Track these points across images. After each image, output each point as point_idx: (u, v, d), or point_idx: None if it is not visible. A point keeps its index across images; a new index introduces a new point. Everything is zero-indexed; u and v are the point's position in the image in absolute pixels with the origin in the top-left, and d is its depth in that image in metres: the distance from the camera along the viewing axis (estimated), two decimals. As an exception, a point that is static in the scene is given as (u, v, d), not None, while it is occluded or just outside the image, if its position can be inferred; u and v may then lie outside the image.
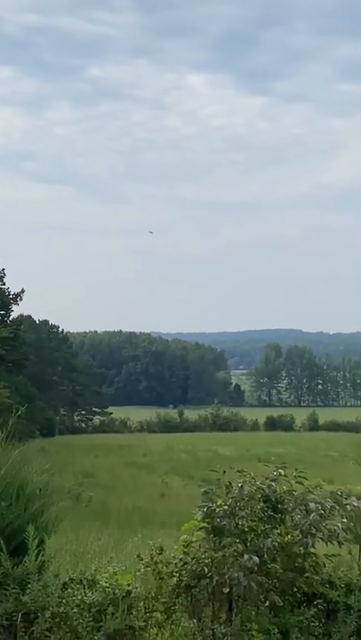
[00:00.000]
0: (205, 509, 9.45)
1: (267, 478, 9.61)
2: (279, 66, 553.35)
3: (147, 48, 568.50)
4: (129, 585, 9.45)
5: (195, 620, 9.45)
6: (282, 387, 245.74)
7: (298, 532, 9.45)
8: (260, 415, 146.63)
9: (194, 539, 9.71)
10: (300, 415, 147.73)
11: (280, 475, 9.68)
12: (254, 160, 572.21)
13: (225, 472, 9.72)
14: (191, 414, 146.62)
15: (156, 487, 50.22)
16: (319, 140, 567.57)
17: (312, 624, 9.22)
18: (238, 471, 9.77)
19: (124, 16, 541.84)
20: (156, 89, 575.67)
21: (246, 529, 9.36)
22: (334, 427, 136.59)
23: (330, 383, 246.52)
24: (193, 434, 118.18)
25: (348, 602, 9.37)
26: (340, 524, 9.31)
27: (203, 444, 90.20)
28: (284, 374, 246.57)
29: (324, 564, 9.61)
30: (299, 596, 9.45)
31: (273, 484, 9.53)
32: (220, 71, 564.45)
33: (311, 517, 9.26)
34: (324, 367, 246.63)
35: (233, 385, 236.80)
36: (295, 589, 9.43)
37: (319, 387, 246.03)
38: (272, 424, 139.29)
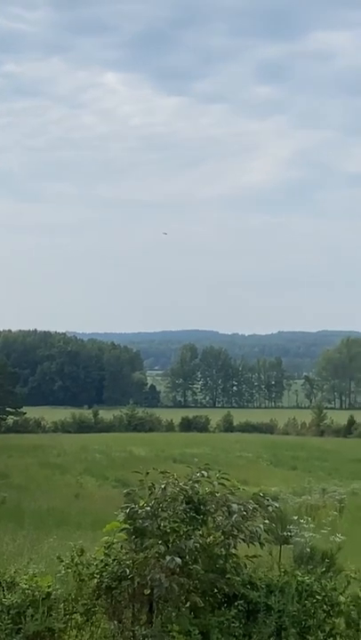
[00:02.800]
0: (128, 510, 9.40)
1: (189, 479, 9.60)
2: (196, 66, 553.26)
3: (63, 45, 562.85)
4: (49, 587, 9.36)
5: (115, 622, 9.40)
6: (197, 388, 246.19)
7: (220, 533, 9.46)
8: (176, 416, 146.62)
9: (115, 540, 9.66)
10: (215, 416, 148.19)
11: (203, 476, 9.69)
12: (173, 160, 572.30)
13: (147, 473, 9.69)
14: (106, 415, 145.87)
15: (71, 488, 49.79)
16: (236, 141, 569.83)
17: (233, 625, 9.26)
18: (161, 472, 9.75)
19: (39, 12, 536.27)
20: (72, 87, 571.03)
21: (168, 530, 9.34)
22: (249, 428, 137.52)
23: (245, 384, 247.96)
24: (108, 434, 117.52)
25: (269, 602, 9.42)
26: (261, 525, 9.35)
27: (118, 444, 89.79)
28: (199, 375, 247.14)
29: (245, 565, 9.64)
30: (220, 596, 9.48)
31: (196, 485, 9.53)
32: (138, 70, 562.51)
33: (233, 519, 9.28)
34: (240, 368, 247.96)
35: (148, 385, 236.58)
36: (216, 590, 9.45)
37: (234, 388, 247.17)
38: (187, 425, 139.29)
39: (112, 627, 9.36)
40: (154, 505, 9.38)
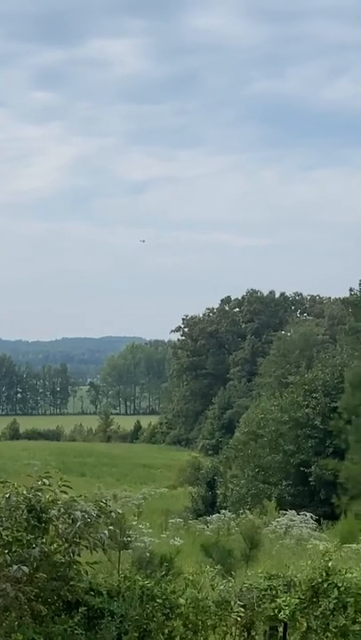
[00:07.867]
0: (-31, 521, 9.29)
1: (32, 488, 9.59)
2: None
3: None
4: None
5: None
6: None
7: (63, 540, 9.50)
8: None
9: None
10: (0, 424, 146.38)
11: (44, 484, 9.70)
12: None
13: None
14: None
15: None
16: (14, 147, 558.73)
17: (76, 631, 9.32)
18: (1, 482, 9.69)
19: None
20: None
21: (11, 539, 9.30)
22: (35, 435, 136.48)
23: (29, 391, 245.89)
24: None
25: (111, 608, 9.55)
26: (106, 532, 9.46)
27: None
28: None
29: (87, 572, 9.73)
30: (62, 604, 9.52)
31: (39, 493, 9.53)
32: None
33: (77, 526, 9.35)
34: (24, 375, 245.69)
35: None
36: (58, 598, 9.48)
37: (19, 395, 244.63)
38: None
39: None
40: (-4, 515, 9.32)
